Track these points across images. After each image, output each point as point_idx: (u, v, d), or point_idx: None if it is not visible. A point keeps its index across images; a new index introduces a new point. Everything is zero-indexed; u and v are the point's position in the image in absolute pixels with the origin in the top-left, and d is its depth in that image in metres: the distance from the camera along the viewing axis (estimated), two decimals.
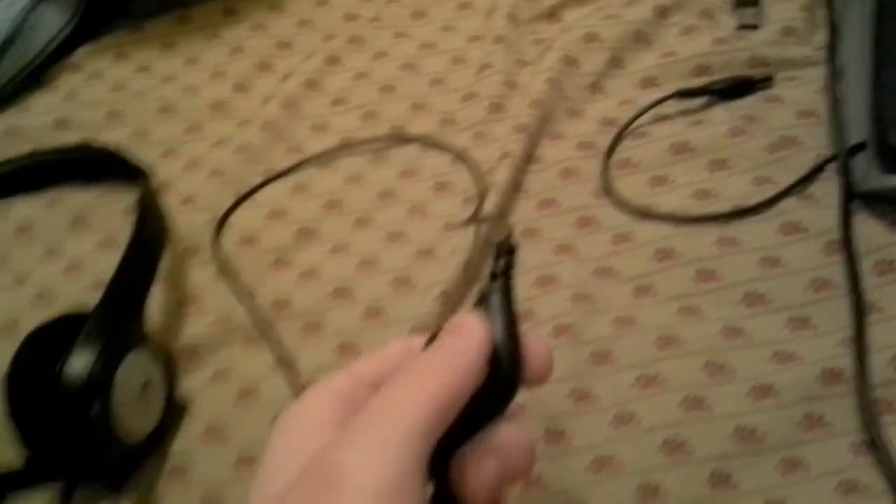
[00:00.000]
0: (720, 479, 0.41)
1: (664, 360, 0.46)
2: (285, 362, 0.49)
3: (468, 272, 0.51)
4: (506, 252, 0.31)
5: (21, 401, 0.42)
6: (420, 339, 0.32)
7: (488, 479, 0.29)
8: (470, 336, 0.29)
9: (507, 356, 0.29)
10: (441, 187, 0.58)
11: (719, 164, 0.55)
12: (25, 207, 0.60)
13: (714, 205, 0.53)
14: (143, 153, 0.60)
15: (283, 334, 0.50)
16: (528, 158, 0.58)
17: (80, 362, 0.41)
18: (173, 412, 0.47)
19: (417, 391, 0.28)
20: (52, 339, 0.43)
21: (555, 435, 0.44)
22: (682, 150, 0.56)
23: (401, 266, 0.53)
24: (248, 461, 0.45)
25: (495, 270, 0.30)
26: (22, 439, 0.42)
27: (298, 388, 0.47)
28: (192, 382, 0.49)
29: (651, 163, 0.56)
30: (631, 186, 0.55)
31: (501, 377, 0.29)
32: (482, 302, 0.30)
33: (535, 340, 0.31)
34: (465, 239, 0.52)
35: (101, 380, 0.41)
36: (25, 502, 0.44)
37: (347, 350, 0.49)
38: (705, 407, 0.43)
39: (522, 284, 0.51)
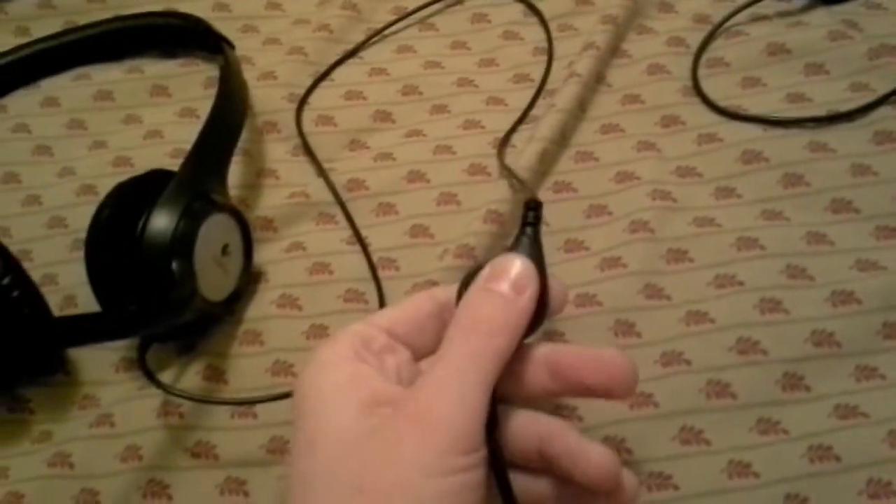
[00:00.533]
0: (792, 382, 0.41)
1: (743, 261, 0.45)
2: (358, 240, 0.49)
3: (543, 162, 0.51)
4: (533, 207, 0.35)
5: (102, 256, 0.43)
6: (444, 291, 0.35)
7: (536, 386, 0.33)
8: (530, 289, 0.32)
9: (541, 301, 0.33)
10: (521, 78, 0.57)
11: (815, 68, 0.53)
12: (106, 74, 0.60)
13: (807, 109, 0.51)
14: (222, 27, 0.60)
15: (356, 213, 0.51)
16: (614, 52, 0.56)
17: (164, 220, 0.41)
18: (249, 279, 0.47)
19: (491, 345, 0.31)
20: (134, 196, 0.43)
21: (625, 326, 0.44)
22: (777, 51, 0.54)
23: (477, 153, 0.52)
24: (319, 330, 0.46)
25: (526, 220, 0.35)
26: (102, 296, 0.44)
27: (370, 266, 0.48)
28: (268, 253, 0.49)
29: (743, 63, 0.54)
30: (720, 86, 0.53)
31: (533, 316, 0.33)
32: (515, 246, 0.34)
33: (555, 281, 0.35)
34: (540, 132, 0.51)
35: (184, 238, 0.41)
36: (101, 357, 0.46)
37: (419, 232, 0.49)
38: (782, 310, 0.43)
39: (600, 179, 0.50)
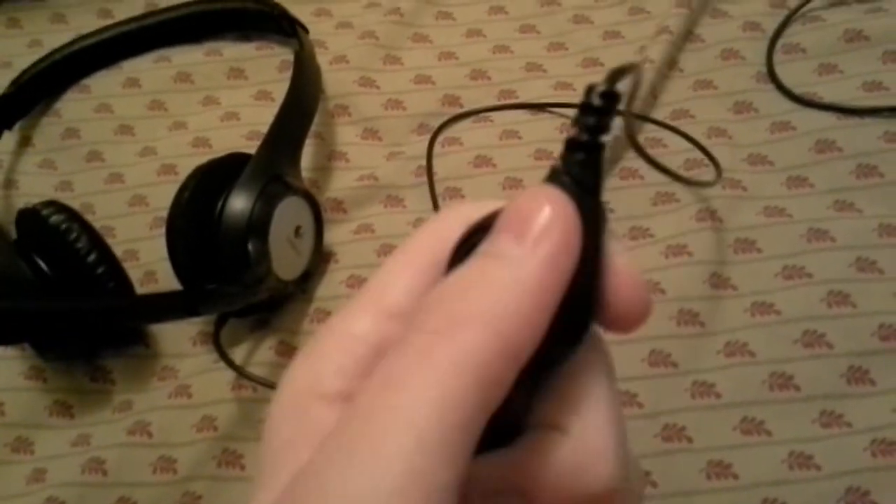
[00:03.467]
0: (857, 375, 0.40)
1: (812, 252, 0.44)
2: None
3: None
4: (597, 107, 0.19)
5: (183, 237, 0.45)
6: (480, 207, 0.20)
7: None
8: (552, 239, 0.18)
9: (581, 282, 0.19)
10: (590, 63, 0.56)
11: (893, 56, 0.52)
12: (185, 56, 0.62)
13: (883, 98, 0.50)
14: (296, 11, 0.61)
15: (422, 198, 0.52)
16: (687, 36, 0.55)
17: (241, 202, 0.43)
18: (320, 259, 0.49)
19: (430, 377, 0.17)
20: (213, 179, 0.45)
21: (688, 315, 0.44)
22: (855, 38, 0.53)
23: (543, 139, 0.53)
24: None
25: (576, 135, 0.19)
26: (181, 274, 0.45)
27: None
28: (338, 234, 0.51)
29: (820, 49, 0.53)
30: (796, 73, 0.52)
31: (567, 314, 0.19)
32: (549, 181, 0.19)
33: (623, 261, 0.20)
34: None
35: (260, 220, 0.43)
36: (180, 330, 0.48)
37: None
38: (850, 303, 0.42)
39: (668, 166, 0.50)
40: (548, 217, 0.18)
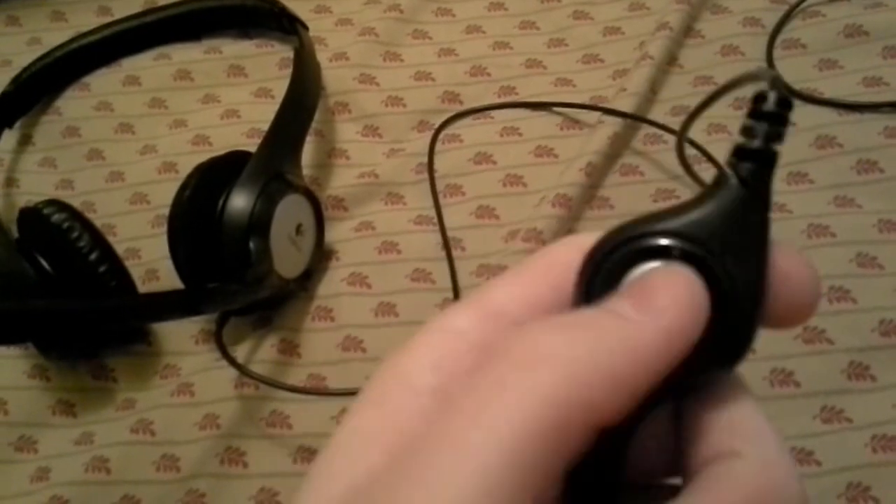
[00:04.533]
0: (858, 371, 0.41)
1: (812, 248, 0.44)
2: (439, 220, 0.50)
3: None
4: (772, 114, 0.18)
5: (184, 236, 0.45)
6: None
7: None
8: (669, 314, 0.17)
9: (743, 312, 0.18)
10: (590, 59, 0.57)
11: (893, 51, 0.52)
12: (185, 54, 0.62)
13: (883, 93, 0.50)
14: (296, 8, 0.61)
15: (422, 195, 0.52)
16: (687, 32, 0.55)
17: (242, 200, 0.43)
18: (321, 257, 0.49)
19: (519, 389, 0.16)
20: (214, 177, 0.45)
21: None
22: (855, 33, 0.53)
23: (543, 135, 0.53)
24: (387, 308, 0.47)
25: (750, 144, 0.19)
26: (183, 272, 0.45)
27: (445, 245, 0.49)
28: (339, 232, 0.51)
29: (820, 45, 0.53)
30: (796, 69, 0.52)
31: (728, 324, 0.18)
32: (718, 191, 0.19)
33: (787, 253, 0.19)
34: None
35: (261, 218, 0.43)
36: (182, 328, 0.48)
37: (485, 213, 0.50)
38: (850, 298, 0.43)
39: (670, 163, 0.50)
40: (678, 292, 0.18)
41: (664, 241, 0.18)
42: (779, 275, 0.18)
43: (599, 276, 0.19)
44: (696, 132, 0.50)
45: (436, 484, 0.16)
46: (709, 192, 0.19)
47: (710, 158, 0.48)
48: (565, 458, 0.17)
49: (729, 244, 0.18)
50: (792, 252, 0.19)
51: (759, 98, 0.18)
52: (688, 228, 0.18)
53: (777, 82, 0.19)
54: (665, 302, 0.17)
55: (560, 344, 0.17)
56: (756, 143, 0.18)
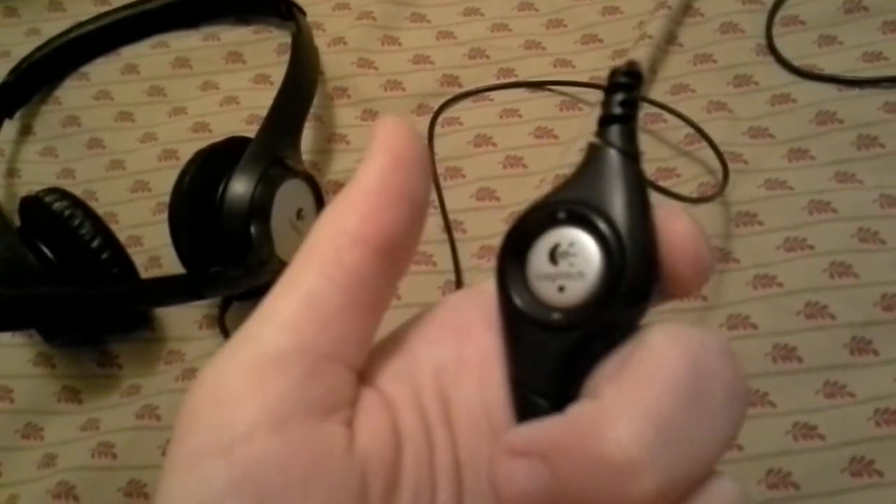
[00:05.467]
0: (860, 346, 0.41)
1: (814, 224, 0.44)
2: (441, 206, 0.50)
3: None
4: (623, 84, 0.21)
5: (185, 222, 0.45)
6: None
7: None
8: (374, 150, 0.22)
9: (632, 245, 0.20)
10: (589, 40, 0.56)
11: (893, 26, 0.51)
12: (183, 41, 0.62)
13: (883, 68, 0.50)
14: None
15: None
16: (686, 10, 0.55)
17: (242, 186, 0.43)
18: None
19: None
20: (214, 163, 0.45)
21: None
22: (854, 8, 0.53)
23: (542, 116, 0.53)
24: None
25: (609, 111, 0.21)
26: (185, 258, 0.46)
27: (446, 227, 0.49)
28: None
29: (819, 21, 0.53)
30: (795, 45, 0.52)
31: (619, 283, 0.20)
32: (591, 158, 0.21)
33: (674, 217, 0.20)
34: None
35: (262, 203, 0.43)
36: (185, 314, 0.48)
37: (485, 195, 0.50)
38: (852, 273, 0.43)
39: (669, 141, 0.50)
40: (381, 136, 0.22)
41: (553, 210, 0.21)
42: (664, 229, 0.20)
43: (512, 250, 0.21)
44: (658, 94, 0.51)
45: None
46: (585, 161, 0.21)
47: (674, 112, 0.49)
48: (350, 275, 0.21)
49: (608, 196, 0.20)
50: (676, 209, 0.20)
51: (613, 73, 0.21)
52: (569, 194, 0.21)
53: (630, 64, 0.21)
54: (372, 150, 0.22)
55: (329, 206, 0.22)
56: (615, 110, 0.21)
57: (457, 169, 0.52)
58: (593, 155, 0.21)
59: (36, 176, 0.56)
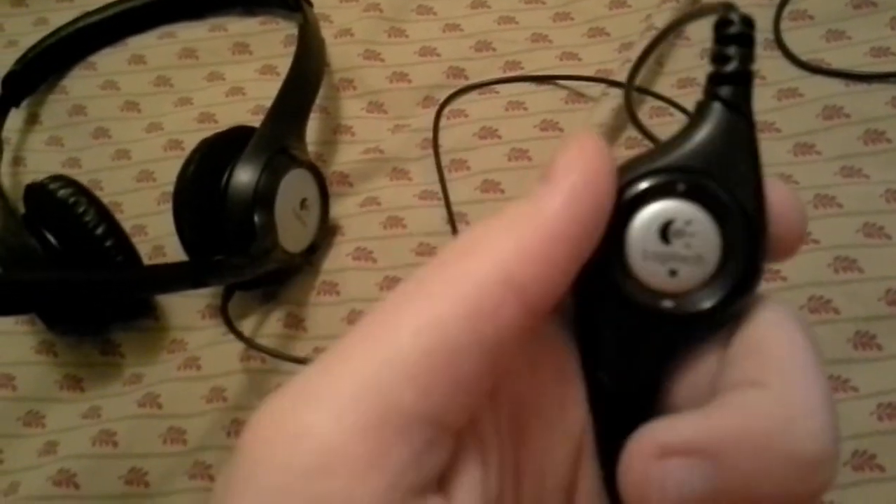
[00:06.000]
0: (864, 340, 0.40)
1: (819, 219, 0.44)
2: (432, 195, 0.50)
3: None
4: (737, 35, 0.19)
5: (189, 210, 0.45)
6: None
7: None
8: (569, 177, 0.18)
9: (759, 232, 0.18)
10: (596, 33, 0.56)
11: None
12: (190, 32, 0.62)
13: (892, 63, 0.49)
14: None
15: (427, 170, 0.52)
16: (694, 4, 0.55)
17: (246, 175, 0.43)
18: (326, 231, 0.49)
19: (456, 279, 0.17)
20: (218, 152, 0.45)
21: None
22: (862, 3, 0.52)
23: (548, 109, 0.53)
24: (392, 282, 0.47)
25: (722, 68, 0.19)
26: (188, 247, 0.46)
27: (450, 220, 0.49)
28: (344, 207, 0.51)
29: (827, 16, 0.52)
30: (803, 40, 0.52)
31: (743, 271, 0.18)
32: (703, 119, 0.18)
33: (776, 187, 0.19)
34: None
35: (266, 192, 0.43)
36: (188, 303, 0.48)
37: (490, 188, 0.50)
38: (857, 268, 0.42)
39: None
40: (571, 155, 0.18)
41: (665, 179, 0.18)
42: (772, 198, 0.18)
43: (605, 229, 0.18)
44: (665, 87, 0.51)
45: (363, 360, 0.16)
46: (694, 121, 0.18)
47: (676, 105, 0.48)
48: (500, 338, 0.17)
49: (727, 167, 0.18)
50: (776, 182, 0.19)
51: (724, 23, 0.19)
52: (686, 160, 0.18)
53: (729, 7, 0.19)
54: (559, 170, 0.18)
55: (485, 232, 0.18)
56: (732, 66, 0.18)
57: (462, 161, 0.52)
58: (706, 115, 0.18)
59: (42, 165, 0.56)
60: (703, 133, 0.18)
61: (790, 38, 0.52)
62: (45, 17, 0.64)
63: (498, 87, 0.55)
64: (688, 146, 0.18)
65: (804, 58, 0.51)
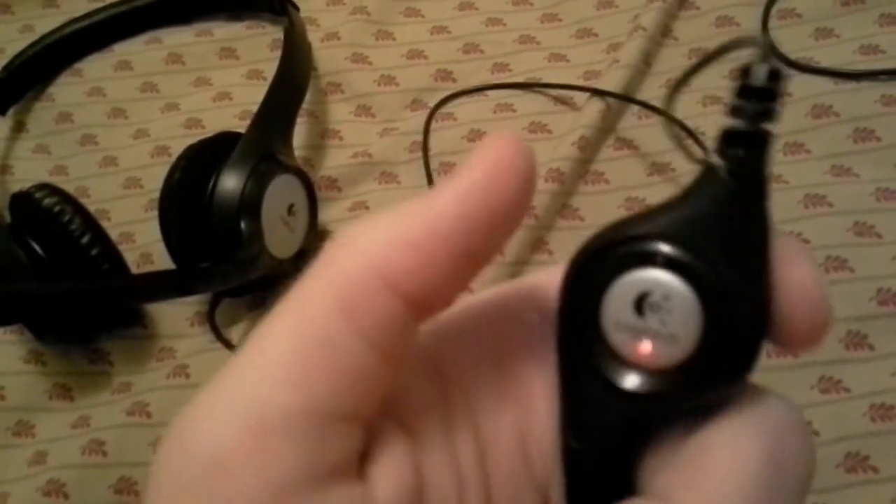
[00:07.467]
0: (856, 340, 0.40)
1: (809, 218, 0.44)
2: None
3: None
4: (760, 89, 0.16)
5: (175, 217, 0.45)
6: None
7: None
8: (461, 176, 0.17)
9: (749, 319, 0.16)
10: (584, 34, 0.56)
11: (890, 19, 0.51)
12: (176, 37, 0.62)
13: (880, 61, 0.49)
14: None
15: (416, 174, 0.51)
16: (682, 3, 0.55)
17: (232, 181, 0.43)
18: (315, 237, 0.49)
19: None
20: (204, 158, 0.45)
21: None
22: (851, 1, 0.52)
23: (537, 111, 0.52)
24: None
25: (738, 125, 0.16)
26: (175, 254, 0.45)
27: None
28: (332, 212, 0.51)
29: (816, 14, 0.52)
30: (791, 38, 0.52)
31: (722, 360, 0.16)
32: (705, 183, 0.16)
33: (793, 259, 0.16)
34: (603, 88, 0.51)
35: (252, 199, 0.43)
36: (177, 311, 0.48)
37: None
38: (847, 268, 0.42)
39: (664, 136, 0.50)
40: (478, 155, 0.17)
41: (648, 247, 0.16)
42: (783, 280, 0.16)
43: (586, 279, 0.17)
44: (691, 105, 0.50)
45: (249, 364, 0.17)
46: (697, 184, 0.16)
47: (698, 141, 0.48)
48: (382, 329, 0.17)
49: (722, 243, 0.16)
50: (801, 261, 0.16)
51: (746, 72, 0.16)
52: (673, 229, 0.16)
53: (769, 51, 0.17)
54: (463, 169, 0.17)
55: (368, 225, 0.17)
56: (744, 125, 0.16)
57: (450, 164, 0.51)
58: (709, 179, 0.16)
59: (29, 173, 0.56)
60: (702, 200, 0.16)
61: (778, 37, 0.52)
62: (31, 24, 0.64)
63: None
64: (681, 213, 0.16)
65: (793, 56, 0.50)
